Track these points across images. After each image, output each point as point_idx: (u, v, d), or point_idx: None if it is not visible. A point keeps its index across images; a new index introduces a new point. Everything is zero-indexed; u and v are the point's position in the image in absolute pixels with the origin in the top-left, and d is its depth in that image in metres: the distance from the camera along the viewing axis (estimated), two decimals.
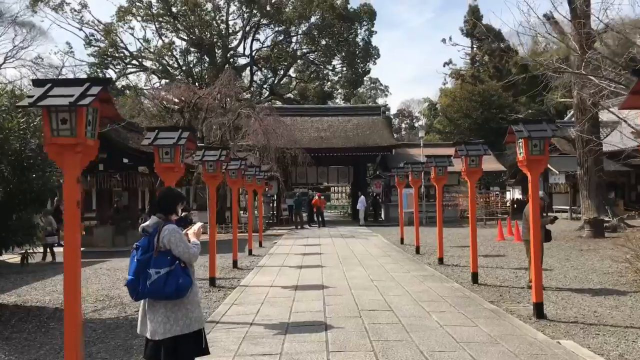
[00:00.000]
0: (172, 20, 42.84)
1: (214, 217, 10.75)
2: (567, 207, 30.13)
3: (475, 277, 10.30)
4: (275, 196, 32.61)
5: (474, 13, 57.04)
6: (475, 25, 56.15)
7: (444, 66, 58.82)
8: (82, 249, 4.67)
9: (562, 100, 23.92)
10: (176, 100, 26.77)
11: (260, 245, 18.81)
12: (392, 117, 49.98)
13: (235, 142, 25.65)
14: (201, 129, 25.44)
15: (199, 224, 4.65)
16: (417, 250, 15.78)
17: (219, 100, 25.76)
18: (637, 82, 4.46)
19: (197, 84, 33.94)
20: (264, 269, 12.76)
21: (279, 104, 41.99)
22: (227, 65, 33.90)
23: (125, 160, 19.46)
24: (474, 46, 57.62)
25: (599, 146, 21.55)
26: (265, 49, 47.38)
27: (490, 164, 31.20)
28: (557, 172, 29.87)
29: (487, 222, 27.16)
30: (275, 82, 49.42)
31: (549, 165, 31.05)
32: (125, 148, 19.13)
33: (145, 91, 31.59)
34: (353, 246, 17.80)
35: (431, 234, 20.97)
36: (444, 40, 56.28)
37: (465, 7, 61.15)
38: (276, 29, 45.66)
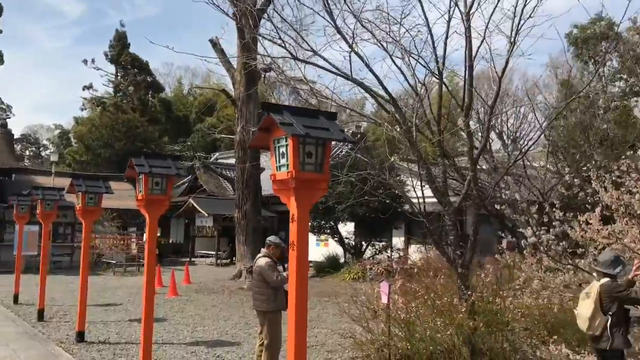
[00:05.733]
0: None
1: None
2: (213, 252, 28.56)
3: None
4: None
5: (121, 40, 52.85)
6: (121, 53, 51.98)
7: (83, 90, 52.13)
8: None
9: (225, 136, 22.28)
10: None
11: None
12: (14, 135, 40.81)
13: None
14: None
15: None
16: (41, 316, 10.69)
17: None
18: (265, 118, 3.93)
19: None
20: None
21: None
22: None
23: None
24: (119, 74, 53.11)
25: (258, 188, 20.52)
26: None
27: (128, 201, 27.16)
28: (206, 214, 27.90)
29: (127, 268, 22.91)
30: None
31: (197, 207, 28.93)
32: None
33: None
34: None
35: (58, 285, 15.64)
36: (85, 61, 49.56)
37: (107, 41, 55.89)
38: None
